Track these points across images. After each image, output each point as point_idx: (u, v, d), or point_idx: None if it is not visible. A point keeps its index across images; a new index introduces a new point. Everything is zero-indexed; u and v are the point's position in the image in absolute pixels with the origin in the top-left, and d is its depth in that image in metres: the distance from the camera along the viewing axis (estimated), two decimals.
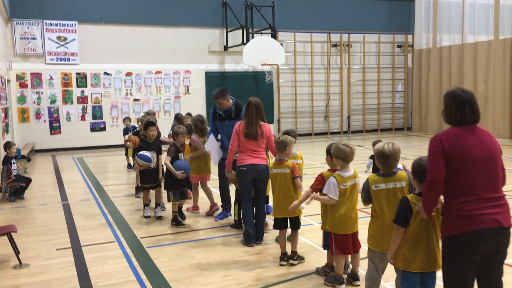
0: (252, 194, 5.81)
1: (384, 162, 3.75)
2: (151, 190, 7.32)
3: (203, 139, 7.15)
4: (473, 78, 17.59)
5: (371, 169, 7.31)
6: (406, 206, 3.34)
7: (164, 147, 7.52)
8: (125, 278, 4.90)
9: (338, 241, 4.41)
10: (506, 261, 3.18)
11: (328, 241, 4.56)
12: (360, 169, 4.93)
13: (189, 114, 11.43)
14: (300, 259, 5.19)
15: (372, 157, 6.23)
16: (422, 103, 20.21)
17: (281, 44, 16.83)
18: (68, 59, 16.21)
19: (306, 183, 4.97)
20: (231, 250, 5.67)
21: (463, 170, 3.04)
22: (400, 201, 3.42)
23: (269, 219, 6.21)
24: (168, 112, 17.53)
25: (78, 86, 16.46)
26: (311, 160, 11.88)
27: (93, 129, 16.78)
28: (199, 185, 7.45)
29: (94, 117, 16.75)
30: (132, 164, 11.13)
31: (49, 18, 15.87)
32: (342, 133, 20.28)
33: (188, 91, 17.88)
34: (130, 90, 17.13)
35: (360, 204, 4.24)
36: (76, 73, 16.40)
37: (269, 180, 5.51)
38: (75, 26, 16.17)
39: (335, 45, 19.76)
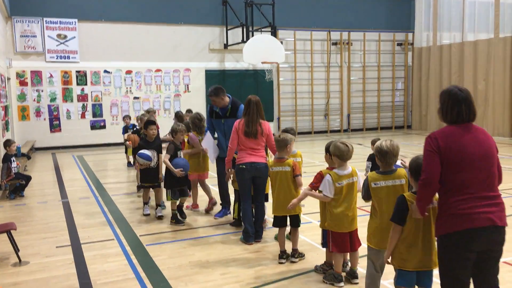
0: (251, 192, 5.82)
1: (382, 158, 3.77)
2: (151, 189, 7.34)
3: (201, 137, 7.16)
4: (473, 77, 17.57)
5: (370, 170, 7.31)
6: (403, 204, 3.35)
7: (165, 145, 7.52)
8: (125, 275, 4.92)
9: (335, 239, 4.43)
10: (503, 259, 3.19)
11: (326, 239, 4.57)
12: (359, 167, 4.93)
13: (189, 111, 11.42)
14: (301, 256, 5.21)
15: (369, 158, 6.23)
16: (422, 101, 20.19)
17: (281, 42, 16.85)
18: (68, 57, 16.21)
19: (306, 181, 4.97)
20: (230, 248, 5.68)
21: (458, 168, 3.03)
22: (397, 199, 3.43)
23: (268, 217, 6.22)
24: (168, 110, 17.53)
25: (78, 84, 16.46)
26: (311, 158, 11.87)
27: (93, 127, 16.78)
28: (198, 183, 7.46)
29: (94, 115, 16.75)
30: (132, 163, 11.13)
31: (49, 16, 15.86)
32: (342, 131, 20.27)
33: (188, 89, 17.88)
34: (130, 88, 17.13)
35: (360, 202, 4.25)
36: (76, 71, 16.40)
37: (269, 178, 5.52)
38: (75, 24, 16.16)
39: (335, 43, 19.74)
